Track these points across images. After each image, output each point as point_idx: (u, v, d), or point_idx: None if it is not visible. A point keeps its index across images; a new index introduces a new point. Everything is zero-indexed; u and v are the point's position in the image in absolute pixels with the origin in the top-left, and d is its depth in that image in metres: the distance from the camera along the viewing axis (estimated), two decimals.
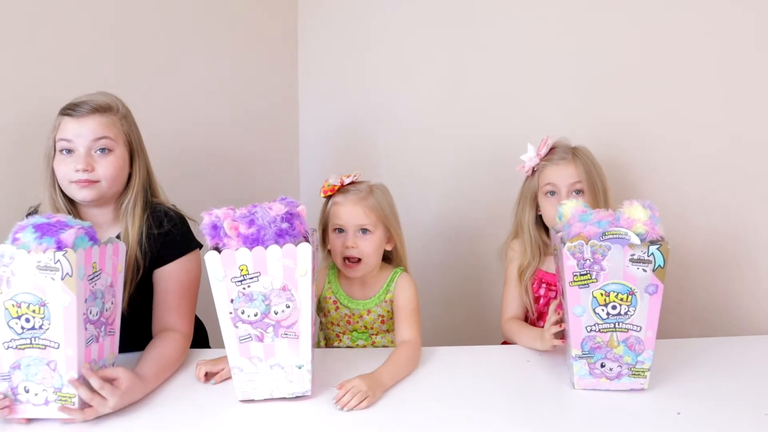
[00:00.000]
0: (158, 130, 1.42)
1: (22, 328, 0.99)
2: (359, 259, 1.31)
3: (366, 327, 1.36)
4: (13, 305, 0.98)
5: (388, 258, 1.39)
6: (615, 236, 1.04)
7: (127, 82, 1.57)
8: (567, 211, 1.13)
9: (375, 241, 1.31)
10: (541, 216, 1.46)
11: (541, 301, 1.45)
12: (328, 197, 1.34)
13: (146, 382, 1.10)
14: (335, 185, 1.33)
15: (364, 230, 1.31)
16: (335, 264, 1.36)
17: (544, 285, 1.45)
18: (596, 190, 1.40)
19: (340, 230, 1.32)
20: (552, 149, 1.44)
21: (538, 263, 1.46)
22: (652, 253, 1.03)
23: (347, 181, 1.34)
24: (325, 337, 1.42)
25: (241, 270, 1.01)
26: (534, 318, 1.47)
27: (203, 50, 1.91)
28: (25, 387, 1.01)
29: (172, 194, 1.38)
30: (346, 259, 1.32)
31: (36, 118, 1.47)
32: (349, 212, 1.30)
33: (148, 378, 1.11)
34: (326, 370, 1.19)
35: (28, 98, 1.53)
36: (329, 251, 1.35)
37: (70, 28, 1.59)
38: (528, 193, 1.47)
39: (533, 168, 1.45)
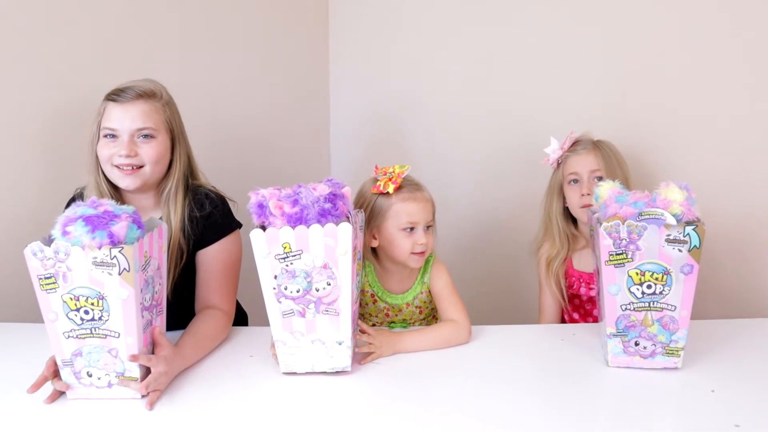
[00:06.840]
0: (196, 119, 1.46)
1: (82, 319, 1.00)
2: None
3: (405, 319, 1.37)
4: (71, 298, 0.99)
5: None
6: (651, 216, 1.05)
7: (163, 72, 1.59)
8: (603, 192, 1.14)
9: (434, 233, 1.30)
10: (568, 208, 1.51)
11: (584, 298, 1.50)
12: (379, 194, 1.26)
13: (183, 355, 1.12)
14: (399, 180, 1.24)
15: (428, 225, 1.29)
16: (400, 259, 1.29)
17: (584, 284, 1.49)
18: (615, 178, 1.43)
19: (411, 228, 1.26)
20: (576, 142, 1.51)
21: (567, 252, 1.51)
22: (688, 234, 1.04)
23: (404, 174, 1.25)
24: None
25: (284, 247, 1.04)
26: (569, 312, 1.53)
27: (237, 40, 1.95)
28: (87, 372, 1.03)
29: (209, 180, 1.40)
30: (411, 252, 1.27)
31: (76, 106, 1.53)
32: (423, 209, 1.26)
33: (185, 351, 1.13)
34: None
35: (70, 85, 1.58)
36: (373, 249, 1.31)
37: (106, 17, 1.65)
38: (555, 185, 1.54)
39: (557, 160, 1.52)
